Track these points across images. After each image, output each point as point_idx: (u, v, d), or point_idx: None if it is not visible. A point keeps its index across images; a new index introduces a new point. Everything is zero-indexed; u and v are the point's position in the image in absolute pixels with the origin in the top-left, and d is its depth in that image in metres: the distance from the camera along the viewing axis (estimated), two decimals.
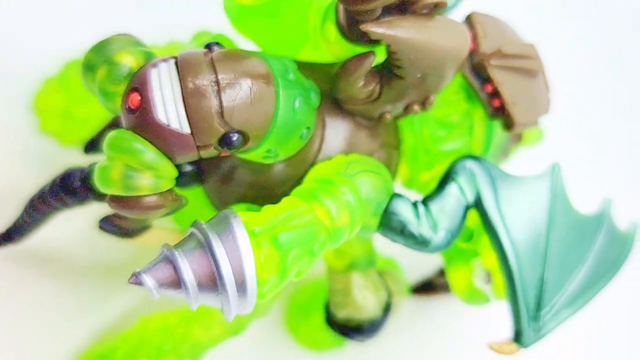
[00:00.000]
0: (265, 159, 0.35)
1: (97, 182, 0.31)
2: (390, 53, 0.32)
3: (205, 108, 0.29)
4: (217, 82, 0.30)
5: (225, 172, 0.39)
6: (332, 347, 0.51)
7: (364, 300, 0.44)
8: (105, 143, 0.31)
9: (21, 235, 0.44)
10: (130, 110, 0.30)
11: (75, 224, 0.49)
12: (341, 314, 0.45)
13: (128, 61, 0.31)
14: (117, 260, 0.50)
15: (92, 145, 0.42)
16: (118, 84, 0.31)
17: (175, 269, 0.29)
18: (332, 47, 0.35)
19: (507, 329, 0.39)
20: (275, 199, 0.34)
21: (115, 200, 0.31)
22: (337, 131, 0.37)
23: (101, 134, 0.40)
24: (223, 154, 0.33)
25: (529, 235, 0.38)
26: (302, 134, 0.35)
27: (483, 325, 0.52)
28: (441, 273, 0.52)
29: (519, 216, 0.38)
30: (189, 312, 0.42)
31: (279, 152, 0.34)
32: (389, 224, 0.37)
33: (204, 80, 0.29)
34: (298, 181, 0.37)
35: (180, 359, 0.43)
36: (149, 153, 0.30)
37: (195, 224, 0.31)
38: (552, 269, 0.38)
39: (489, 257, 0.39)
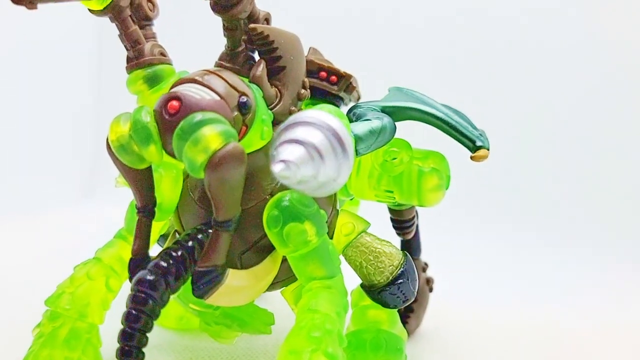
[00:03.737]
0: (264, 134, 0.48)
1: (191, 163, 0.41)
2: (269, 47, 0.49)
3: (219, 83, 0.45)
4: (215, 72, 0.45)
5: None
6: None
7: (386, 247, 0.52)
8: (173, 146, 0.41)
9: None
10: (171, 115, 0.42)
11: None
12: (382, 274, 0.51)
13: (143, 114, 0.43)
14: None
15: (137, 265, 0.47)
16: (151, 131, 0.42)
17: (302, 144, 0.41)
18: None
19: None
20: (258, 187, 0.48)
21: (216, 159, 0.40)
22: None
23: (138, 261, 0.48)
24: (242, 131, 0.45)
25: (427, 104, 0.56)
26: (270, 111, 0.49)
27: None
28: None
29: (410, 100, 0.56)
30: (305, 306, 0.48)
31: (269, 121, 0.48)
32: (366, 138, 0.50)
33: (208, 73, 0.45)
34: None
35: (331, 335, 0.45)
36: (204, 113, 0.41)
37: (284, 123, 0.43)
38: (454, 116, 0.56)
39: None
